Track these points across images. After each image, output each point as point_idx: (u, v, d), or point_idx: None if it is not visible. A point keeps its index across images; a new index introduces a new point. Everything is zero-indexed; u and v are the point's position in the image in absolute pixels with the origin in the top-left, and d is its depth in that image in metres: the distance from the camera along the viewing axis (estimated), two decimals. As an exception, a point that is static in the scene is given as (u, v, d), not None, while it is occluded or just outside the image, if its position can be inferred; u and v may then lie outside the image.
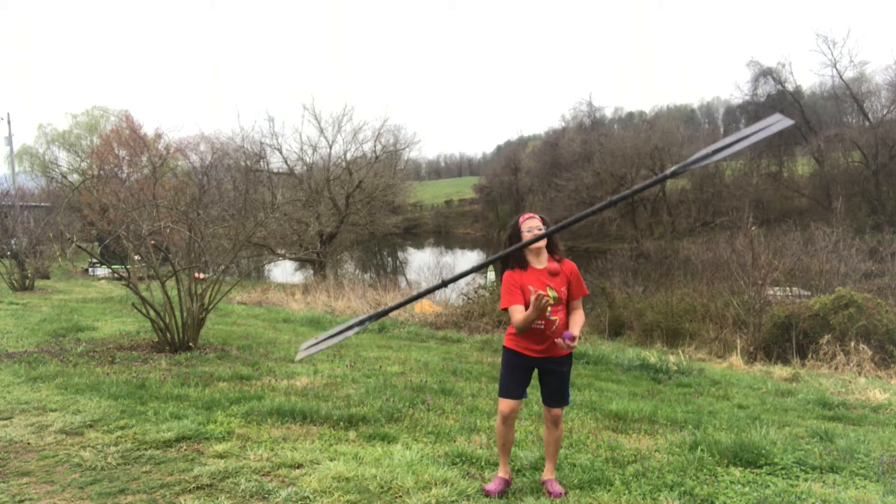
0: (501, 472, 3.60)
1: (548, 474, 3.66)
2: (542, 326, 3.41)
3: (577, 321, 3.50)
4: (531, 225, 3.47)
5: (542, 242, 3.44)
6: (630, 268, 20.43)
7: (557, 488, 3.55)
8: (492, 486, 3.52)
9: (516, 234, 3.51)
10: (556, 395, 3.57)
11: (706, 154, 2.78)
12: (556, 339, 3.38)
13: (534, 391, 4.48)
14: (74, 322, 9.89)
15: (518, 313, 3.37)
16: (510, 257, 3.47)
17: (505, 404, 3.52)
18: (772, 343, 12.00)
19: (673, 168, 2.82)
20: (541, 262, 3.49)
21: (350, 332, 3.22)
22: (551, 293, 3.40)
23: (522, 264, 3.49)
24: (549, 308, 3.32)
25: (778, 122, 2.73)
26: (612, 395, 6.69)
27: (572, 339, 3.33)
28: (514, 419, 3.58)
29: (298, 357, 3.37)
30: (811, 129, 43.99)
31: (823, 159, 42.19)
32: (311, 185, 30.90)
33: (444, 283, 3.50)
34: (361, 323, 3.24)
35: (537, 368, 3.55)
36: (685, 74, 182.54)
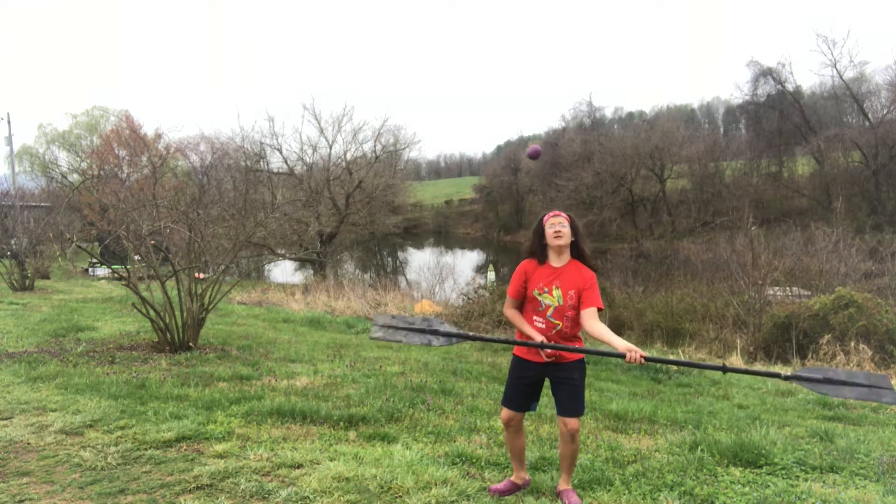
0: (513, 476, 3.56)
1: (563, 484, 3.49)
2: (543, 326, 3.35)
3: (599, 330, 3.21)
4: (555, 222, 3.38)
5: (567, 240, 3.37)
6: (630, 268, 20.50)
7: (575, 499, 3.37)
8: (497, 485, 3.50)
9: (540, 229, 3.43)
10: (567, 404, 3.35)
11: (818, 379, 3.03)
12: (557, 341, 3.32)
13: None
14: (74, 322, 9.88)
15: (508, 309, 3.50)
16: (534, 244, 3.44)
17: (504, 412, 3.49)
18: (772, 343, 12.01)
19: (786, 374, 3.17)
20: (560, 261, 3.39)
21: (425, 339, 3.42)
22: (556, 293, 3.33)
23: (541, 258, 3.42)
24: (550, 308, 3.32)
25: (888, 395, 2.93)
26: (612, 395, 6.70)
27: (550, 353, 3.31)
28: (517, 426, 3.48)
29: (373, 335, 3.55)
30: (811, 129, 43.93)
31: (823, 159, 42.14)
32: (311, 185, 30.87)
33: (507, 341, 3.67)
34: (438, 334, 3.42)
35: (548, 378, 3.42)
36: (685, 74, 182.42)
